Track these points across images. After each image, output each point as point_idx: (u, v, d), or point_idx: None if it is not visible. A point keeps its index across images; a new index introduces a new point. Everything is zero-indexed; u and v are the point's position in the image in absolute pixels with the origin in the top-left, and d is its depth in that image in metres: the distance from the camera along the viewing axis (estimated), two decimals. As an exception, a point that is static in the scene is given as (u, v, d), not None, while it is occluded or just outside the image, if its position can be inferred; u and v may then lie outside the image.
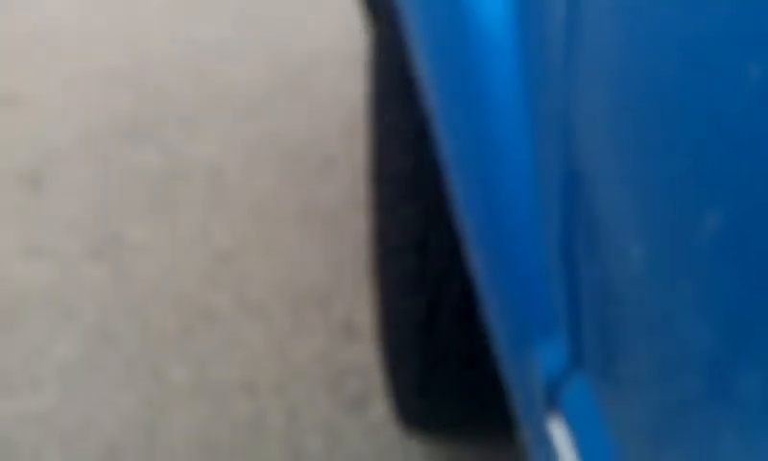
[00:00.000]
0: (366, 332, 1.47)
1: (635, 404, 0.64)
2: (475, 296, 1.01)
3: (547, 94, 0.69)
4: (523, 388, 0.82)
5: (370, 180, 1.19)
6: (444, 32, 0.85)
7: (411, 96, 1.04)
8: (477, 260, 0.86)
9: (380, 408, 1.36)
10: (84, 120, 1.98)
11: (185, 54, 2.20)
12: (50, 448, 1.34)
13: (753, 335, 0.45)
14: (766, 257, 0.42)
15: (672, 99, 0.49)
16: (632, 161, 0.55)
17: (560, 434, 0.75)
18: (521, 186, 0.76)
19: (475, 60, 0.80)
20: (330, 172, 1.81)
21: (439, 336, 1.05)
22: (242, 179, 1.82)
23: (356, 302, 1.52)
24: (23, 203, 1.78)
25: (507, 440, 1.11)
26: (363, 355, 1.44)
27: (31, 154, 1.89)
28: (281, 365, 1.44)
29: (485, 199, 0.81)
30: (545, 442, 0.79)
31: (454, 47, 0.83)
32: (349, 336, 1.47)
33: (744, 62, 0.41)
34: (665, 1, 0.50)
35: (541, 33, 0.71)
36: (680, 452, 0.57)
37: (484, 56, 0.80)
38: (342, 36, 2.20)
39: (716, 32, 0.44)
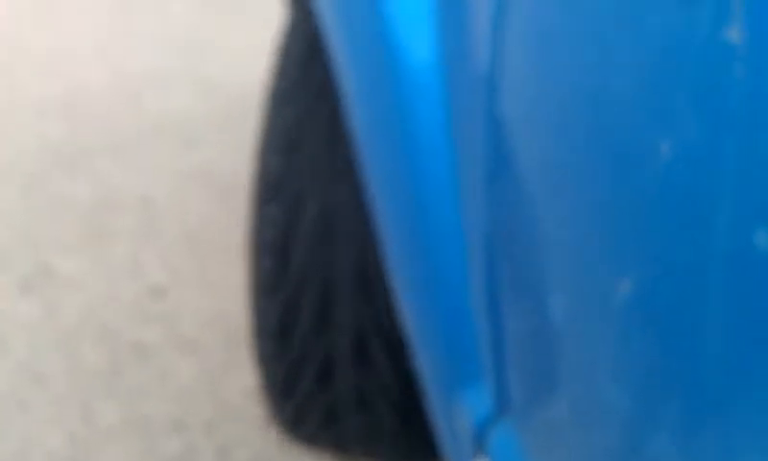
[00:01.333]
0: (298, 368, 1.47)
1: (558, 452, 0.65)
2: (333, 301, 1.02)
3: (472, 146, 0.70)
4: (450, 432, 0.83)
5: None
6: (361, 30, 0.85)
7: (286, 101, 1.06)
8: (405, 307, 0.86)
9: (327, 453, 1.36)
10: (15, 149, 1.96)
11: (122, 84, 2.19)
12: (-26, 489, 1.32)
13: (663, 396, 0.46)
14: (676, 322, 0.44)
15: (587, 163, 0.50)
16: (552, 217, 0.56)
17: (486, 480, 0.76)
18: (447, 235, 0.77)
19: (403, 108, 0.81)
20: (264, 205, 1.81)
21: (296, 339, 1.05)
22: (175, 210, 1.80)
23: (289, 337, 1.52)
24: (-50, 235, 1.75)
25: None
26: (295, 392, 1.43)
27: (-41, 184, 1.86)
28: (213, 402, 1.43)
29: (412, 243, 0.82)
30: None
31: (381, 87, 0.84)
32: (282, 372, 1.47)
33: (656, 140, 0.42)
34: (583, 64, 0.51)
35: (466, 84, 0.73)
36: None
37: (410, 93, 0.81)
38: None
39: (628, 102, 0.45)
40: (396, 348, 1.02)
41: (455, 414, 0.81)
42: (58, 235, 1.75)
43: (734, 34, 0.36)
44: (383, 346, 1.03)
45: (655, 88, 0.43)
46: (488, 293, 0.70)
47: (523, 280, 0.63)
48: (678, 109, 0.41)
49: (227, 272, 1.65)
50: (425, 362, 0.85)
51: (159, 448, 1.37)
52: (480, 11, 0.69)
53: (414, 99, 0.80)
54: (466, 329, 0.76)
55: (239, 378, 1.46)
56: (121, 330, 1.55)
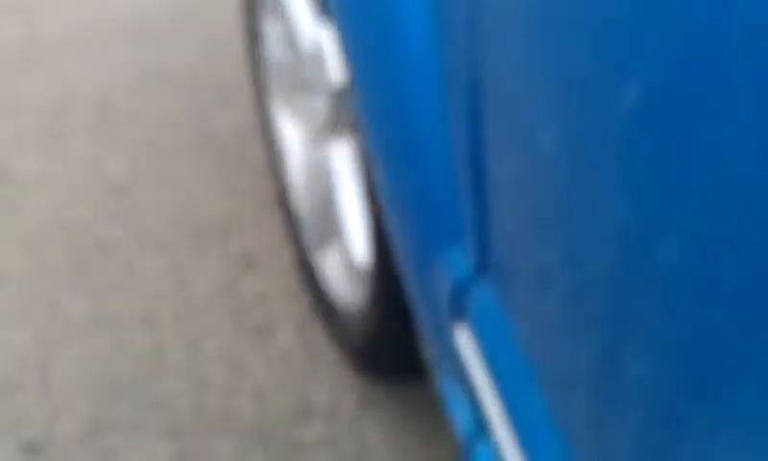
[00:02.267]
0: (266, 263, 1.45)
1: (541, 306, 0.64)
2: None
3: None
4: (428, 300, 0.82)
5: None
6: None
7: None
8: (381, 170, 0.84)
9: (284, 338, 1.35)
10: (-33, 52, 1.90)
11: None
12: (-61, 388, 1.29)
13: (671, 206, 0.44)
14: (686, 125, 0.42)
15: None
16: (540, 41, 0.54)
17: (466, 343, 0.75)
18: (427, 90, 0.74)
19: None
20: (225, 102, 1.77)
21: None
22: (135, 109, 1.76)
23: (256, 232, 1.50)
24: None
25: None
26: (264, 286, 1.42)
27: None
28: (181, 297, 1.41)
29: (389, 104, 0.79)
30: (451, 353, 0.78)
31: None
32: (250, 267, 1.45)
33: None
34: None
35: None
36: (587, 346, 0.57)
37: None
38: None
39: None
40: None
41: (433, 279, 0.80)
42: (16, 136, 1.70)
43: None
44: None
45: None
46: (470, 141, 0.68)
47: (510, 119, 0.61)
48: None
49: (189, 169, 1.62)
50: (403, 226, 0.83)
51: (128, 343, 1.35)
52: None
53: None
54: (445, 185, 0.75)
55: (206, 273, 1.44)
56: (84, 228, 1.52)
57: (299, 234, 1.34)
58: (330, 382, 1.29)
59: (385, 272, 1.00)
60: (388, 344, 1.11)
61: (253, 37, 1.40)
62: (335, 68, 1.02)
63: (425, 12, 0.73)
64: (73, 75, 1.85)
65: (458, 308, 0.76)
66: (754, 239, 0.38)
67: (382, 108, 0.80)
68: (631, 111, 0.44)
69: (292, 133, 1.35)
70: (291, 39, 1.22)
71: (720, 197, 0.40)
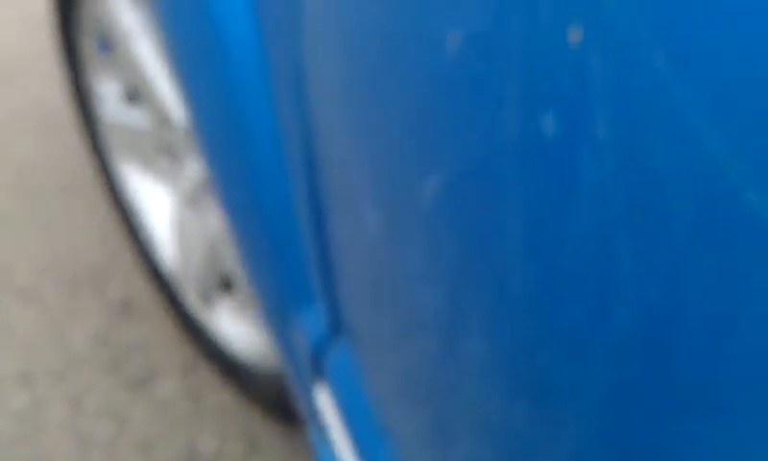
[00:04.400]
0: (144, 309, 1.42)
1: (386, 365, 0.64)
2: None
3: (283, 56, 0.67)
4: (291, 358, 0.81)
5: None
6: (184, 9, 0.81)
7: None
8: (235, 234, 0.83)
9: (166, 386, 1.33)
10: None
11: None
12: None
13: (470, 297, 0.45)
14: (475, 220, 0.42)
15: (380, 64, 0.48)
16: (356, 127, 0.54)
17: (326, 401, 0.75)
18: (270, 160, 0.73)
19: (213, 27, 0.77)
20: (97, 141, 1.73)
21: None
22: (0, 151, 1.71)
23: (132, 278, 1.47)
24: None
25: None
26: (143, 333, 1.39)
27: None
28: (58, 351, 1.38)
29: (236, 166, 0.78)
30: (315, 410, 0.78)
31: (194, 23, 0.79)
32: (128, 314, 1.42)
33: (444, 30, 0.40)
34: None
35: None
36: (424, 409, 0.57)
37: (221, 24, 0.77)
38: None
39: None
40: None
41: (294, 339, 0.79)
42: None
43: None
44: None
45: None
46: (310, 212, 0.67)
47: (339, 196, 0.60)
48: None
49: (60, 213, 1.58)
50: (259, 288, 0.82)
51: (7, 404, 1.31)
52: None
53: (227, 14, 0.76)
54: (295, 251, 0.74)
55: (83, 324, 1.41)
56: (-47, 287, 1.47)
57: (174, 294, 1.30)
58: (216, 428, 1.27)
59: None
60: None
61: (82, 96, 1.33)
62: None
63: (262, 69, 0.72)
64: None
65: (317, 367, 0.75)
66: (547, 336, 0.38)
67: (227, 168, 0.79)
68: (433, 201, 0.44)
69: (155, 196, 1.30)
70: (152, 107, 1.17)
71: (510, 291, 0.40)
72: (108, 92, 1.29)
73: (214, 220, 1.15)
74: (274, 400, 1.15)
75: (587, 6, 0.31)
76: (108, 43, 1.23)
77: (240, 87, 0.74)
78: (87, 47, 1.28)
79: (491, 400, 0.47)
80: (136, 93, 1.23)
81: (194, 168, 1.15)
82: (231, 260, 1.12)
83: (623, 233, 0.32)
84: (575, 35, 0.31)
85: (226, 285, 1.21)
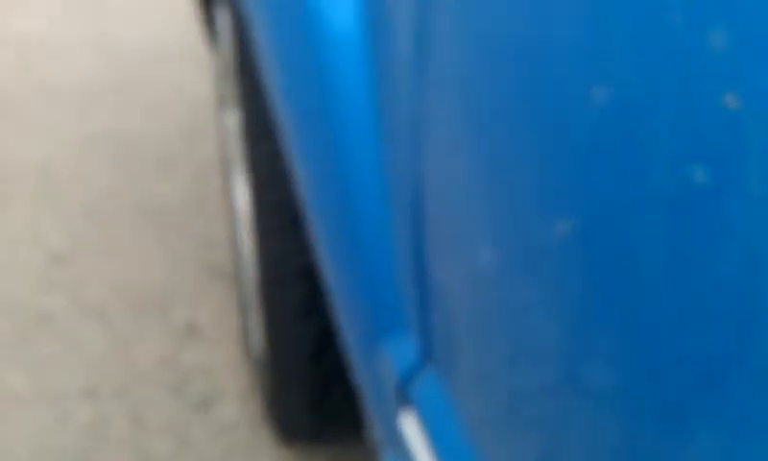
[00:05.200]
0: (208, 333, 1.47)
1: (483, 398, 0.67)
2: None
3: (398, 100, 0.71)
4: (374, 386, 0.85)
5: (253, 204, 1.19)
6: (294, 44, 0.86)
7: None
8: (327, 261, 0.87)
9: (226, 409, 1.36)
10: None
11: (12, 49, 2.12)
12: None
13: (593, 334, 0.48)
14: (610, 263, 0.46)
15: (517, 110, 0.52)
16: (481, 169, 0.57)
17: (412, 430, 0.78)
18: (372, 187, 0.78)
19: (326, 67, 0.81)
20: (167, 171, 1.79)
21: (329, 361, 1.08)
22: (75, 178, 1.77)
23: (197, 302, 1.51)
24: None
25: (356, 439, 1.13)
26: (206, 356, 1.43)
27: None
28: (123, 369, 1.42)
29: (335, 200, 0.82)
30: (397, 439, 0.81)
31: (304, 56, 0.84)
32: (192, 337, 1.46)
33: (588, 82, 0.44)
34: (508, 21, 0.52)
35: (391, 40, 0.73)
36: (526, 444, 0.60)
37: (335, 63, 0.82)
38: (175, 30, 2.17)
39: (560, 49, 0.47)
40: None
41: (378, 365, 0.82)
42: (-48, 205, 1.70)
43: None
44: None
45: (587, 26, 0.45)
46: (413, 243, 0.71)
47: (451, 228, 0.64)
48: (610, 52, 0.42)
49: (129, 237, 1.63)
50: (347, 315, 0.86)
51: (71, 417, 1.35)
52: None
53: (335, 54, 0.80)
54: (388, 278, 0.78)
55: (147, 345, 1.45)
56: (25, 300, 1.52)
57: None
58: (271, 457, 1.30)
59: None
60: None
61: (220, 104, 1.41)
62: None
63: (369, 118, 0.76)
64: (10, 143, 1.85)
65: (404, 395, 0.79)
66: (677, 376, 0.42)
67: (328, 204, 0.83)
68: (560, 245, 0.48)
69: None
70: None
71: (642, 333, 0.43)
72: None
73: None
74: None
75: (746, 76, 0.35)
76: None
77: (346, 122, 0.78)
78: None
79: (604, 435, 0.50)
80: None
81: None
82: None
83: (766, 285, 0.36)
84: (731, 101, 0.35)
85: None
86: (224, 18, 1.23)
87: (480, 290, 0.61)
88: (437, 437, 0.74)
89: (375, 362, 0.82)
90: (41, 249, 1.62)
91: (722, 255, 0.37)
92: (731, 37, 0.36)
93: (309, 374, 1.11)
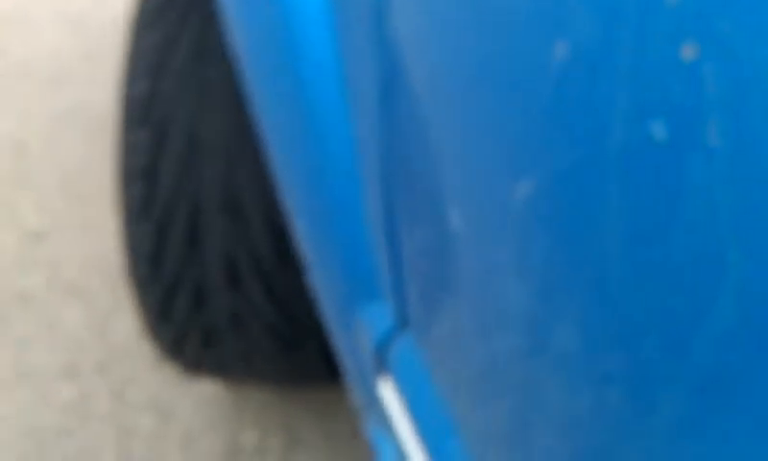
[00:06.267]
0: (189, 304, 1.46)
1: (458, 362, 0.67)
2: (202, 224, 1.02)
3: (362, 67, 0.70)
4: (352, 353, 0.84)
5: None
6: (258, 10, 0.84)
7: (164, 16, 1.05)
8: (299, 226, 0.86)
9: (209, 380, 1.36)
10: None
11: (-22, 25, 2.09)
12: None
13: (564, 293, 0.48)
14: (575, 221, 0.45)
15: (476, 69, 0.51)
16: (447, 130, 0.57)
17: (390, 395, 0.77)
18: (339, 153, 0.77)
19: (290, 29, 0.80)
20: (142, 143, 1.77)
21: (168, 263, 1.05)
22: (48, 153, 1.75)
23: (177, 274, 1.50)
24: None
25: (344, 410, 1.13)
26: (188, 328, 1.42)
27: None
28: (103, 345, 1.41)
29: (305, 167, 0.81)
30: (377, 405, 0.81)
31: (268, 20, 0.83)
32: (173, 310, 1.45)
33: (543, 38, 0.43)
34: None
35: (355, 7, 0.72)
36: (502, 405, 0.60)
37: (298, 26, 0.80)
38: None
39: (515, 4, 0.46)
40: (269, 269, 1.03)
41: (355, 332, 0.82)
42: (-75, 187, 1.68)
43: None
44: (255, 268, 1.03)
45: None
46: (383, 209, 0.70)
47: (419, 194, 0.63)
48: (569, 9, 0.42)
49: (106, 213, 1.62)
50: (323, 281, 0.85)
51: (53, 396, 1.34)
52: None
53: (300, 17, 0.79)
54: (362, 246, 0.77)
55: (127, 320, 1.44)
56: (2, 279, 1.51)
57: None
58: (258, 423, 1.30)
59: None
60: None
61: None
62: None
63: (337, 86, 0.75)
64: (-17, 121, 1.83)
65: (381, 361, 0.78)
66: (645, 332, 0.41)
67: (295, 165, 0.82)
68: (525, 206, 0.47)
69: None
70: None
71: (609, 289, 0.43)
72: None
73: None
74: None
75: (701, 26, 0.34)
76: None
77: (314, 88, 0.77)
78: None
79: (576, 395, 0.50)
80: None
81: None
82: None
83: (728, 235, 0.35)
84: (689, 52, 0.34)
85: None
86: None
87: (449, 255, 0.61)
88: (414, 403, 0.73)
89: (352, 328, 0.82)
90: (18, 227, 1.61)
91: (682, 211, 0.37)
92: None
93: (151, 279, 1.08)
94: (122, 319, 1.44)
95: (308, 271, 0.87)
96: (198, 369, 1.15)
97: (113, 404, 1.33)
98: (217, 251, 1.03)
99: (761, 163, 0.33)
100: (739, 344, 0.37)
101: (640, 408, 0.43)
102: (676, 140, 0.36)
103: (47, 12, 2.14)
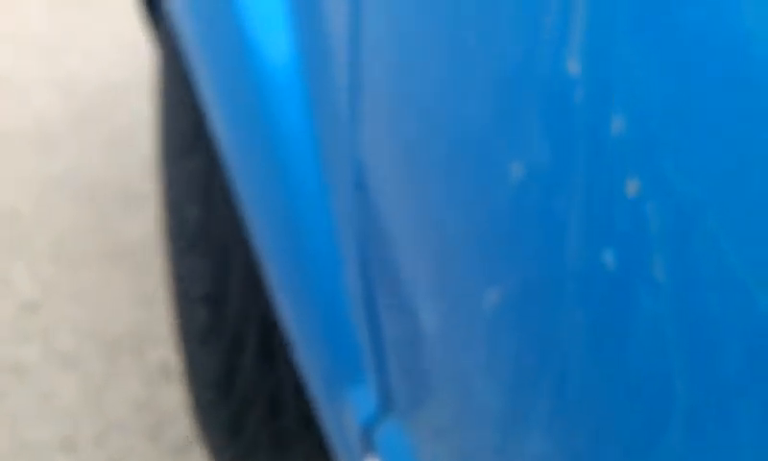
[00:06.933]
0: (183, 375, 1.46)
1: (438, 448, 0.67)
2: (277, 338, 1.02)
3: (338, 152, 0.70)
4: (339, 433, 0.84)
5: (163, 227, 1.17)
6: (229, 75, 0.85)
7: (200, 140, 1.04)
8: (284, 308, 0.87)
9: (204, 452, 1.35)
10: None
11: (-31, 93, 2.11)
12: None
13: (530, 395, 0.48)
14: (539, 330, 0.45)
15: (440, 173, 0.52)
16: (416, 234, 0.57)
17: (377, 477, 0.78)
18: (321, 238, 0.77)
19: (266, 115, 0.81)
20: (133, 207, 1.78)
21: (241, 384, 1.05)
22: (41, 221, 1.76)
23: (170, 342, 1.50)
24: None
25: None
26: (182, 397, 1.43)
27: None
28: (99, 417, 1.41)
29: (285, 245, 0.82)
30: (365, 484, 0.81)
31: (242, 96, 0.83)
32: (167, 379, 1.46)
33: (503, 158, 0.44)
34: (444, 66, 0.52)
35: (327, 88, 0.73)
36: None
37: (273, 102, 0.81)
38: (135, 65, 2.15)
39: (476, 122, 0.47)
40: None
41: (342, 413, 0.82)
42: None
43: (573, 65, 0.37)
44: None
45: (504, 111, 0.44)
46: (363, 297, 0.71)
47: (395, 287, 0.64)
48: (527, 131, 0.42)
49: (98, 279, 1.62)
50: (307, 362, 0.85)
51: (49, 471, 1.34)
52: (336, 17, 0.70)
53: (277, 105, 0.80)
54: (345, 328, 0.77)
55: (123, 390, 1.44)
56: (-4, 353, 1.51)
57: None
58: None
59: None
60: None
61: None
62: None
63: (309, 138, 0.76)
64: (-25, 191, 1.84)
65: (367, 443, 0.78)
66: (605, 438, 0.42)
67: (278, 247, 0.83)
68: (492, 311, 0.48)
69: None
70: None
71: (569, 395, 0.43)
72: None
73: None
74: None
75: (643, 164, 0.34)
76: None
77: (295, 182, 0.78)
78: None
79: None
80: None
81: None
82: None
83: (676, 361, 0.35)
84: (632, 188, 0.34)
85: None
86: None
87: (426, 350, 0.61)
88: (401, 487, 0.74)
89: (338, 409, 0.82)
90: (12, 297, 1.61)
91: (633, 336, 0.37)
92: (629, 123, 0.35)
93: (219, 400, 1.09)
94: (118, 389, 1.44)
95: (293, 349, 0.88)
96: None
97: (110, 477, 1.33)
98: (291, 363, 1.02)
99: (705, 300, 0.33)
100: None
101: None
102: (625, 271, 0.36)
103: (33, 77, 2.15)
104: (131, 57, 2.18)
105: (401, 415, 0.73)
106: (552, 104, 0.39)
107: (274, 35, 0.81)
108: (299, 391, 1.04)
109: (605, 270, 0.38)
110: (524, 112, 0.41)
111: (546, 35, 0.39)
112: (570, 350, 0.42)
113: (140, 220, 1.74)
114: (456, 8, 0.47)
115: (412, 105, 0.55)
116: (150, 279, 1.61)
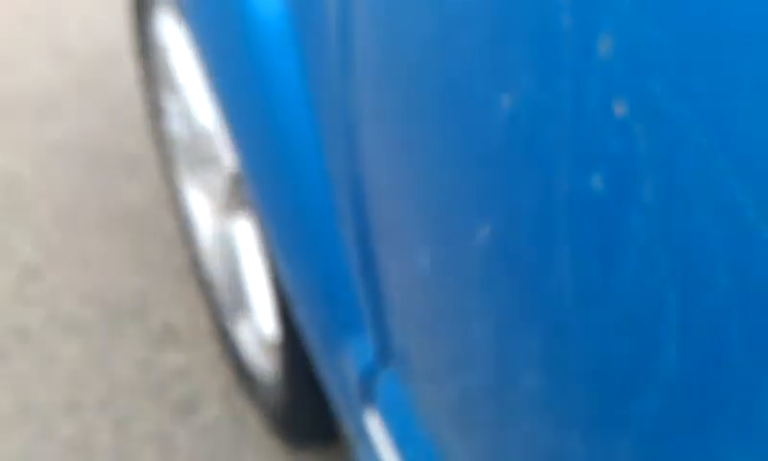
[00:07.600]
0: (187, 335, 1.46)
1: (436, 394, 0.68)
2: None
3: (331, 109, 0.70)
4: (339, 385, 0.84)
5: None
6: (226, 48, 0.85)
7: None
8: (284, 267, 0.87)
9: (210, 410, 1.36)
10: None
11: (-32, 62, 2.10)
12: None
13: (523, 331, 0.48)
14: (534, 264, 0.45)
15: (435, 122, 0.52)
16: (409, 175, 0.57)
17: (375, 426, 0.78)
18: (318, 192, 0.77)
19: (261, 71, 0.81)
20: (134, 171, 1.78)
21: None
22: (42, 188, 1.76)
23: (173, 304, 1.51)
24: None
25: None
26: (185, 359, 1.43)
27: None
28: (103, 379, 1.42)
29: (284, 205, 0.82)
30: (364, 435, 0.81)
31: (241, 71, 0.83)
32: (170, 340, 1.46)
33: (492, 91, 0.44)
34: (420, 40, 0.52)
35: (319, 46, 0.73)
36: (479, 437, 0.61)
37: (267, 54, 0.81)
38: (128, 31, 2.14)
39: (466, 58, 0.47)
40: None
41: (341, 367, 0.82)
42: None
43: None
44: None
45: (492, 41, 0.44)
46: (358, 246, 0.71)
47: (389, 233, 0.64)
48: (514, 63, 0.42)
49: (101, 245, 1.63)
50: (307, 317, 0.86)
51: (55, 432, 1.35)
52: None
53: (270, 58, 0.80)
54: (343, 281, 0.77)
55: (126, 352, 1.45)
56: (1, 316, 1.52)
57: (214, 304, 1.35)
58: (258, 452, 1.30)
59: (293, 345, 1.02)
60: (304, 412, 1.14)
61: (155, 111, 1.41)
62: (227, 150, 1.04)
63: (309, 109, 0.76)
64: (-24, 158, 1.84)
65: (366, 394, 0.79)
66: (599, 370, 0.42)
67: (278, 205, 0.83)
68: (484, 248, 0.48)
69: (199, 205, 1.37)
70: (187, 117, 1.24)
71: (562, 325, 0.43)
72: (171, 108, 1.36)
73: (240, 236, 1.19)
74: (283, 419, 1.19)
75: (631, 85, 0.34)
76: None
77: (290, 135, 0.78)
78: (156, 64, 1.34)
79: (543, 430, 0.50)
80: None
81: (221, 180, 1.19)
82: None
83: (667, 285, 0.35)
84: (620, 109, 0.34)
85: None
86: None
87: (423, 294, 0.61)
88: (399, 435, 0.74)
89: (338, 362, 0.82)
90: (14, 263, 1.61)
91: (620, 260, 0.37)
92: (616, 44, 0.35)
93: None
94: (121, 351, 1.45)
95: (294, 306, 0.88)
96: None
97: (115, 438, 1.34)
98: None
99: (692, 220, 0.33)
100: (684, 383, 0.37)
101: (600, 444, 0.44)
102: (614, 194, 0.36)
103: (31, 44, 2.15)
104: (125, 24, 2.17)
105: (399, 364, 0.73)
106: (539, 29, 0.39)
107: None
108: None
109: (595, 194, 0.37)
110: (512, 41, 0.41)
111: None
112: (563, 278, 0.42)
113: (139, 183, 1.74)
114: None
115: (402, 46, 0.54)
116: (151, 243, 1.61)
